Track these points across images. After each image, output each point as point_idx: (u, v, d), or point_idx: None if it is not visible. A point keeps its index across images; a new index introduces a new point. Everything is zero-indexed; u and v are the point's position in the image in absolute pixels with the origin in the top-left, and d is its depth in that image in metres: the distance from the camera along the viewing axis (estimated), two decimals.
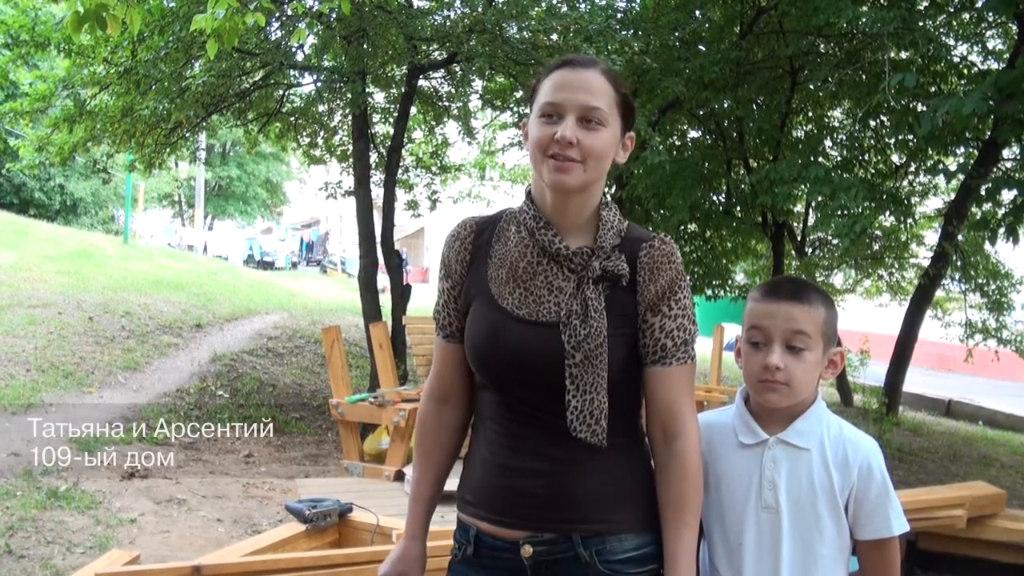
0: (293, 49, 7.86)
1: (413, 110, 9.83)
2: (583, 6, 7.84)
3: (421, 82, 9.39)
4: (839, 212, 7.06)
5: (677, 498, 1.53)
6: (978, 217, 8.31)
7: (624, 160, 1.62)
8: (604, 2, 7.96)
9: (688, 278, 1.61)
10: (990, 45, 8.80)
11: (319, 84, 9.15)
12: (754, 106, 9.18)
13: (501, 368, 1.55)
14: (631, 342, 1.54)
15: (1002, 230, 6.55)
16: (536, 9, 7.32)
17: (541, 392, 1.52)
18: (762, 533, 1.64)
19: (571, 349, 1.49)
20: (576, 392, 1.49)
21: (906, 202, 8.38)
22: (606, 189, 1.64)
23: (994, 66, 8.26)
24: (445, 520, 1.83)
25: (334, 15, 7.17)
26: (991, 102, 5.76)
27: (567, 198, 1.55)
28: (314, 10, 6.43)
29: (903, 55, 8.23)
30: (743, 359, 1.69)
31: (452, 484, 1.72)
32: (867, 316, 14.11)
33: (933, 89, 7.88)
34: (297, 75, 9.29)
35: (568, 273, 1.55)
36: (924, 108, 6.98)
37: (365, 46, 7.91)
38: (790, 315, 1.63)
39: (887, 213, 8.12)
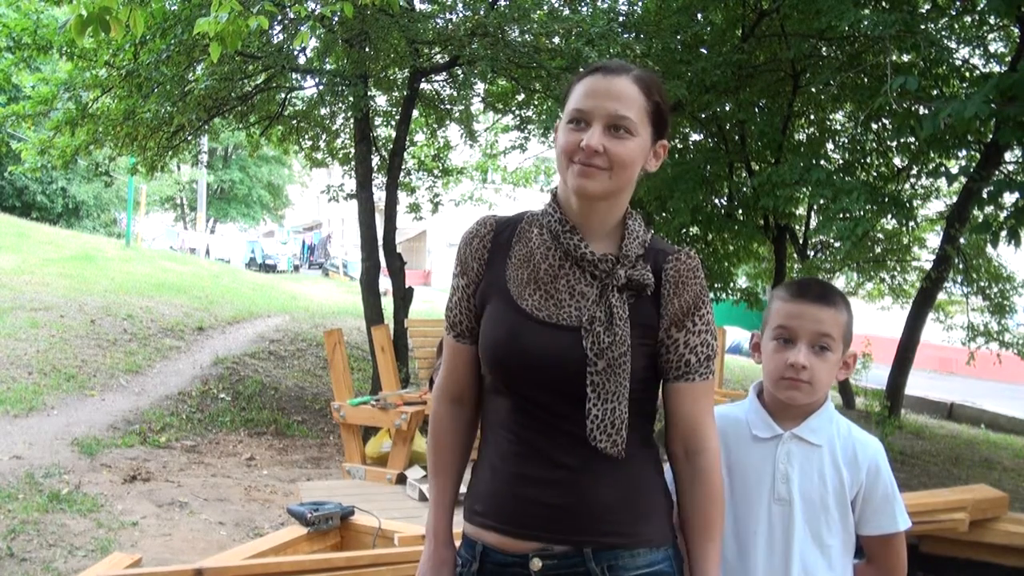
0: (295, 52, 7.87)
1: (415, 113, 9.85)
2: (585, 9, 7.85)
3: (423, 85, 9.42)
4: (841, 215, 7.06)
5: (703, 518, 1.53)
6: (980, 220, 8.30)
7: (655, 168, 1.59)
8: (606, 5, 7.98)
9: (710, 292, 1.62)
10: (992, 48, 8.80)
11: (321, 87, 9.16)
12: (756, 109, 9.18)
13: (518, 371, 1.51)
14: (651, 353, 1.52)
15: (1004, 233, 6.54)
16: (538, 12, 7.33)
17: (558, 398, 1.49)
18: (774, 524, 1.69)
19: (594, 356, 1.46)
20: (597, 400, 1.46)
21: (908, 205, 8.38)
22: None
23: (996, 69, 8.26)
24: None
25: (336, 18, 7.18)
26: (993, 105, 5.75)
27: (592, 205, 1.53)
28: (316, 13, 6.44)
29: (905, 58, 8.25)
30: (765, 356, 1.74)
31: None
32: (869, 319, 14.11)
33: (935, 92, 7.87)
34: (299, 78, 9.31)
35: (591, 279, 1.52)
36: (926, 111, 6.99)
37: (367, 49, 7.93)
38: (818, 317, 1.68)
39: (889, 216, 8.12)
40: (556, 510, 1.48)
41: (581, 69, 1.60)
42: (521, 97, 9.82)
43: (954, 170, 7.87)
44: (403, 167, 9.81)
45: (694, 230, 10.02)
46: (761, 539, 1.68)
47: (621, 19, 8.01)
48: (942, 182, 9.86)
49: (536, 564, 1.49)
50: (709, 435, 1.54)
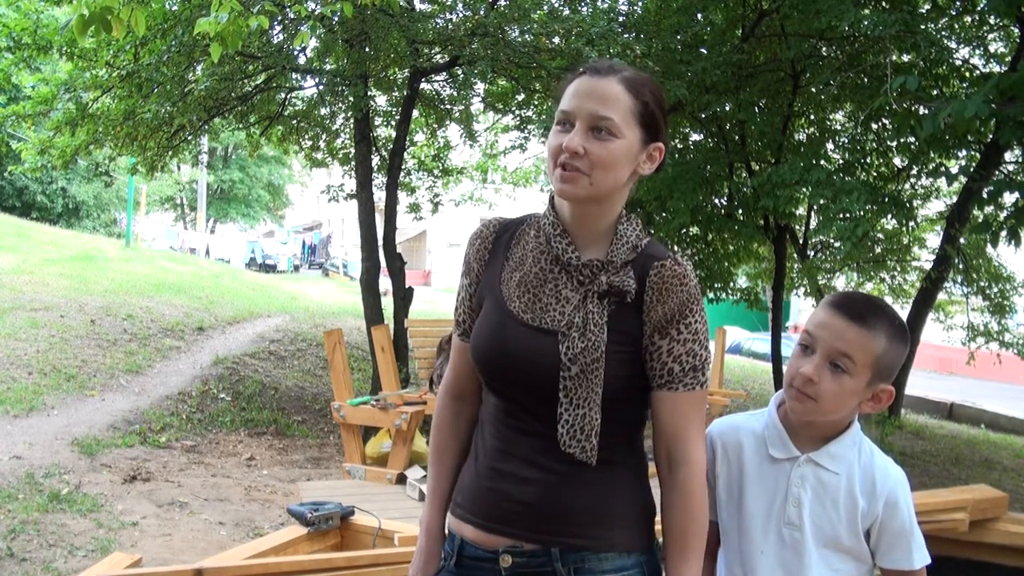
0: (295, 52, 7.87)
1: (415, 113, 9.85)
2: (585, 9, 7.85)
3: (423, 85, 9.42)
4: (841, 215, 7.06)
5: (680, 533, 1.51)
6: (980, 220, 8.30)
7: (649, 172, 1.56)
8: (606, 5, 7.98)
9: (703, 301, 1.58)
10: (992, 48, 8.80)
11: (321, 87, 9.17)
12: (756, 109, 9.17)
13: (500, 370, 1.53)
14: (632, 360, 1.51)
15: (1004, 233, 6.54)
16: (538, 12, 7.33)
17: (536, 399, 1.50)
18: (784, 547, 1.64)
19: (567, 361, 1.47)
20: (569, 405, 1.47)
21: (908, 205, 8.39)
22: None
23: (996, 69, 8.26)
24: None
25: (336, 18, 7.18)
26: (993, 105, 5.75)
27: (582, 208, 1.53)
28: (316, 13, 6.44)
29: (905, 58, 8.24)
30: (789, 360, 1.66)
31: None
32: None
33: (935, 92, 7.87)
34: (299, 78, 9.31)
35: (576, 284, 1.53)
36: (926, 111, 6.99)
37: (367, 49, 7.93)
38: (841, 334, 1.57)
39: (889, 216, 8.12)
40: (527, 508, 1.49)
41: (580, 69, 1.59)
42: (521, 97, 9.82)
43: (954, 170, 7.87)
44: (403, 167, 9.81)
45: (694, 230, 10.01)
46: (770, 560, 1.64)
47: (621, 19, 8.00)
48: (942, 182, 9.86)
49: (506, 560, 1.50)
50: (693, 447, 1.51)
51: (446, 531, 1.63)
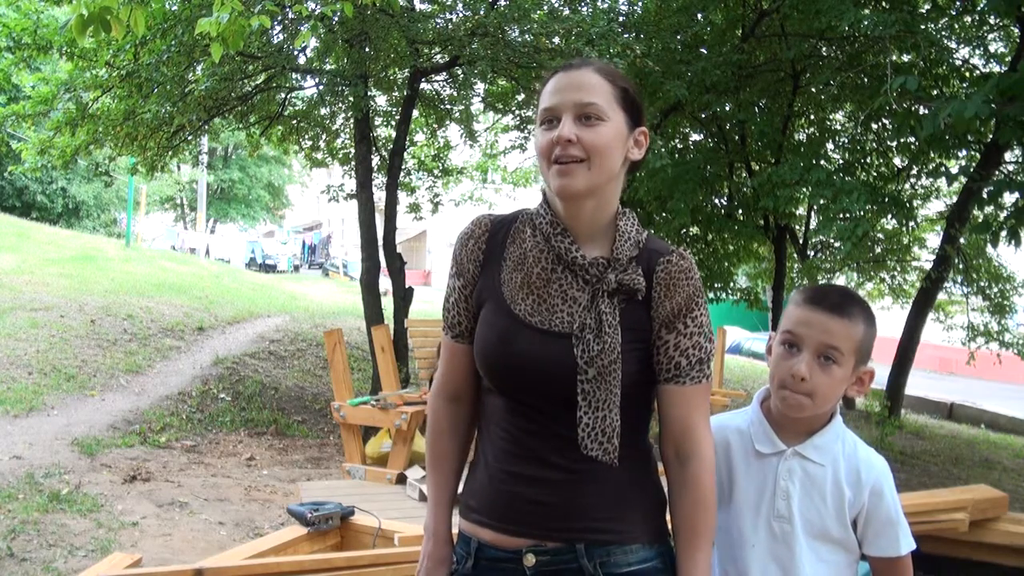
0: (295, 52, 7.87)
1: (415, 113, 9.85)
2: (585, 9, 7.85)
3: (423, 85, 9.42)
4: (841, 215, 7.07)
5: (691, 525, 1.51)
6: (980, 220, 8.32)
7: (639, 157, 1.57)
8: (606, 5, 7.98)
9: (705, 294, 1.58)
10: (992, 48, 8.81)
11: (321, 87, 9.17)
12: (756, 109, 9.19)
13: (510, 374, 1.51)
14: (644, 357, 1.51)
15: (1004, 233, 6.55)
16: (538, 12, 7.33)
17: (550, 402, 1.49)
18: (775, 540, 1.65)
19: (584, 364, 1.46)
20: (588, 409, 1.46)
21: (908, 205, 8.41)
22: None
23: (996, 69, 8.27)
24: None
25: (336, 18, 7.18)
26: (993, 105, 5.76)
27: (579, 205, 1.52)
28: (316, 13, 6.44)
29: (905, 58, 8.26)
30: (772, 361, 1.68)
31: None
32: None
33: (935, 92, 7.88)
34: (299, 78, 9.31)
35: (583, 284, 1.51)
36: (926, 111, 7.00)
37: (367, 49, 7.93)
38: (827, 328, 1.60)
39: (889, 216, 8.14)
40: (548, 507, 1.49)
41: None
42: (521, 97, 9.82)
43: (954, 170, 7.89)
44: (403, 167, 9.81)
45: (694, 230, 10.03)
46: (761, 554, 1.66)
47: (621, 19, 8.01)
48: (942, 182, 9.88)
49: (530, 560, 1.49)
50: (701, 439, 1.52)
51: (459, 535, 1.62)
